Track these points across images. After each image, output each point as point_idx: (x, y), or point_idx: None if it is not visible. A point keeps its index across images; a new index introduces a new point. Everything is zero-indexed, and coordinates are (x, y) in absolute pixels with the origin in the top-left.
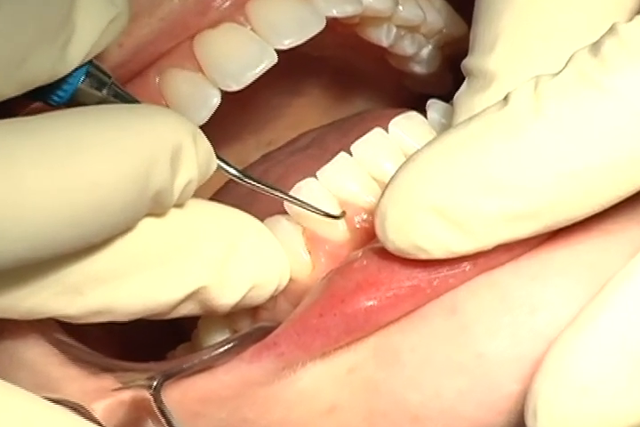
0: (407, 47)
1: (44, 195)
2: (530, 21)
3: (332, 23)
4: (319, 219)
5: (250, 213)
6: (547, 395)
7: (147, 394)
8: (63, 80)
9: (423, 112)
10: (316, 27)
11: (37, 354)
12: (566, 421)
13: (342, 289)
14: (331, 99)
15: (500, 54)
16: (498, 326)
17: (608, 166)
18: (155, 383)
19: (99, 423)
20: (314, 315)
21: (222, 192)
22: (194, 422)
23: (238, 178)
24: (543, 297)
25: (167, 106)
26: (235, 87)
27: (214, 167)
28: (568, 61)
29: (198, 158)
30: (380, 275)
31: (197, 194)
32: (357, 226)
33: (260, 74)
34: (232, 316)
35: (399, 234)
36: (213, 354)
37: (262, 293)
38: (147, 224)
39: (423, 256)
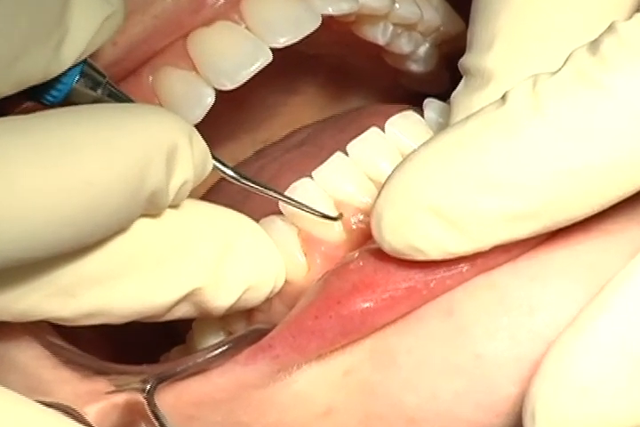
0: (404, 45)
1: (36, 194)
2: (527, 20)
3: (328, 21)
4: (315, 220)
5: (243, 211)
6: (545, 397)
7: (140, 397)
8: (57, 80)
9: (420, 111)
10: (312, 25)
11: (29, 357)
12: (565, 423)
13: (338, 290)
14: (326, 97)
15: (498, 53)
16: (496, 328)
17: (607, 165)
18: (148, 386)
19: None
20: (309, 317)
21: (215, 190)
22: (188, 425)
23: (234, 179)
24: (542, 298)
25: (161, 105)
26: (229, 86)
27: (210, 168)
28: (567, 60)
29: (194, 159)
30: (377, 276)
31: (190, 192)
32: (353, 227)
33: (255, 72)
34: (227, 318)
35: (396, 235)
36: (208, 357)
37: (257, 294)
38: (141, 225)
39: (420, 257)
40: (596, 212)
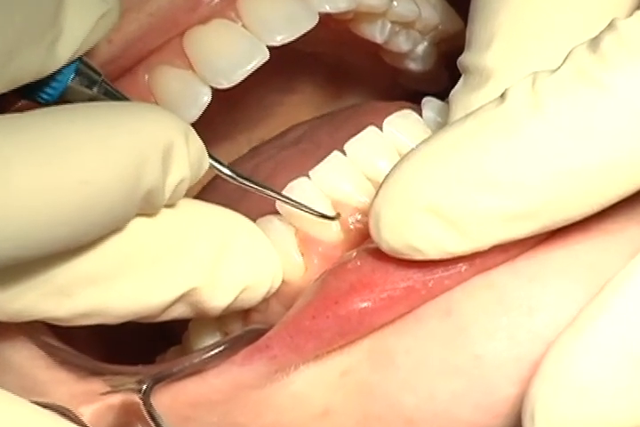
0: (402, 44)
1: (31, 193)
2: (526, 18)
3: (325, 19)
4: (312, 219)
5: (239, 211)
6: (545, 397)
7: (136, 398)
8: (52, 78)
9: (418, 110)
10: (309, 23)
11: (24, 357)
12: (565, 423)
13: (336, 290)
14: (324, 96)
15: (497, 51)
16: (495, 328)
17: (607, 164)
18: (144, 387)
19: None
20: (307, 317)
21: (210, 189)
22: (184, 426)
23: (231, 177)
24: (541, 298)
25: (156, 103)
26: (226, 84)
27: (206, 166)
28: (566, 57)
29: (190, 157)
30: (374, 276)
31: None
32: (351, 226)
33: (252, 71)
34: (223, 318)
35: (394, 234)
36: (204, 357)
37: (254, 295)
38: (137, 224)
39: (418, 257)
40: (595, 211)
